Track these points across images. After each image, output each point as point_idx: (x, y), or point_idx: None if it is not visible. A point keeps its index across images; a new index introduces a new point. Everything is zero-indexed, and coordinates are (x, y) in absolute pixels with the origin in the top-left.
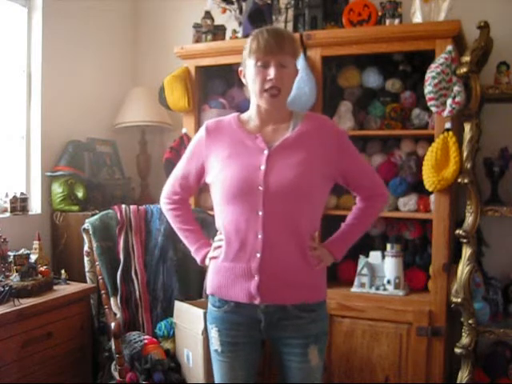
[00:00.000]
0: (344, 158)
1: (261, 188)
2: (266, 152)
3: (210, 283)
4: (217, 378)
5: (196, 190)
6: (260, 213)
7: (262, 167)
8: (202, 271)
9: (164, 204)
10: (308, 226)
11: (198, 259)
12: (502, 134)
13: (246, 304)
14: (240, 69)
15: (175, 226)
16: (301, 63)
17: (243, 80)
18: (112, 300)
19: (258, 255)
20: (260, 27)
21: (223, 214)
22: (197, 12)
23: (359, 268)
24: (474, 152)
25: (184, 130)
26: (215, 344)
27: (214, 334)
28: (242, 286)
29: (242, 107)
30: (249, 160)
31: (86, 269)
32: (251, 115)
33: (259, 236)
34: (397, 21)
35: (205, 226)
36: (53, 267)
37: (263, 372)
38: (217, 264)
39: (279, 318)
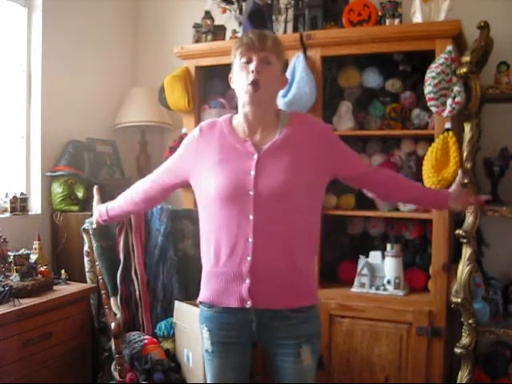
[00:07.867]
0: (335, 154)
1: (251, 193)
2: (255, 156)
3: (202, 292)
4: (208, 377)
5: (167, 191)
6: (251, 217)
7: (252, 172)
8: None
9: (140, 181)
10: (300, 228)
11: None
12: (501, 134)
13: (237, 308)
14: (230, 75)
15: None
16: (301, 63)
17: (232, 86)
18: (112, 300)
19: (249, 258)
20: (260, 27)
21: (213, 220)
22: (197, 12)
23: (359, 268)
24: (473, 152)
25: (184, 130)
26: (206, 344)
27: (204, 333)
28: (233, 291)
29: None
30: (239, 165)
31: (86, 269)
32: (240, 122)
33: (250, 240)
34: (397, 21)
35: None
36: (53, 267)
37: (260, 372)
38: (208, 271)
39: (271, 318)
